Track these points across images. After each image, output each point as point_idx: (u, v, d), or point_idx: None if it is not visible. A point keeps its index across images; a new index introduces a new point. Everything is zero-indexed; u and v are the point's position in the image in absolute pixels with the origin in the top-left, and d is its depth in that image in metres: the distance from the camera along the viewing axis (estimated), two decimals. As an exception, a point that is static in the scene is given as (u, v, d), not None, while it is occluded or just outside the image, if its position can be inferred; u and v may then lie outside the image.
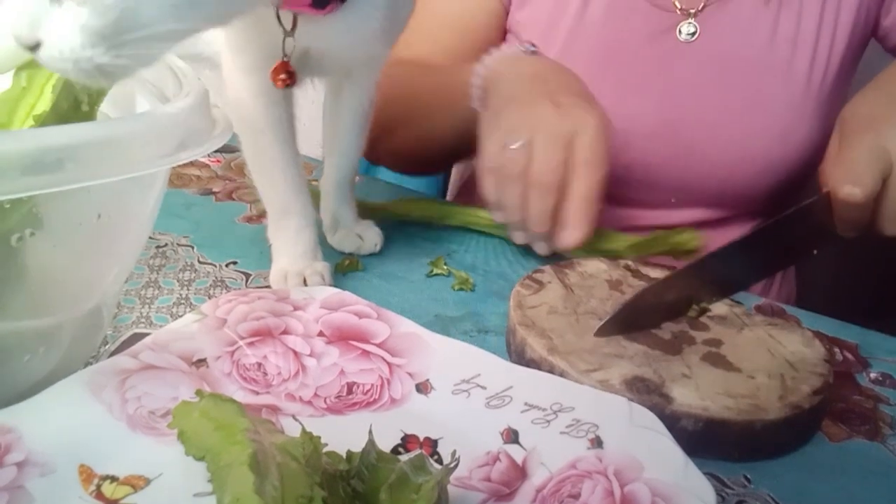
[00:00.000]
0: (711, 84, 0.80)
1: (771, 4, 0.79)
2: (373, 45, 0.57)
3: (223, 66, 0.58)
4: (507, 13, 0.89)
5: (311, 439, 0.35)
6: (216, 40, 0.59)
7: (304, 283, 0.57)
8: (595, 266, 0.60)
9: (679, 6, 0.81)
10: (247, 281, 0.60)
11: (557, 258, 0.64)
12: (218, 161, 0.84)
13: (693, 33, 0.80)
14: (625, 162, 0.82)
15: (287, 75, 0.54)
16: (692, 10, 0.80)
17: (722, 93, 0.80)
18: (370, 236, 0.66)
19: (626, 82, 0.81)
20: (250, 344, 0.46)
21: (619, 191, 0.85)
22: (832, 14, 0.79)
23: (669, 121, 0.80)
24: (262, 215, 0.62)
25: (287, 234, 0.59)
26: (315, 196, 0.65)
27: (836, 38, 0.80)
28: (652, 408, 0.42)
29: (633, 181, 0.84)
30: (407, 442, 0.42)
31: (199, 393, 0.40)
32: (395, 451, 0.41)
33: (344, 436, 0.37)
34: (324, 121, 0.67)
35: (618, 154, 0.81)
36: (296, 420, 0.42)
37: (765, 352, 0.51)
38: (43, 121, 0.38)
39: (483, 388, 0.45)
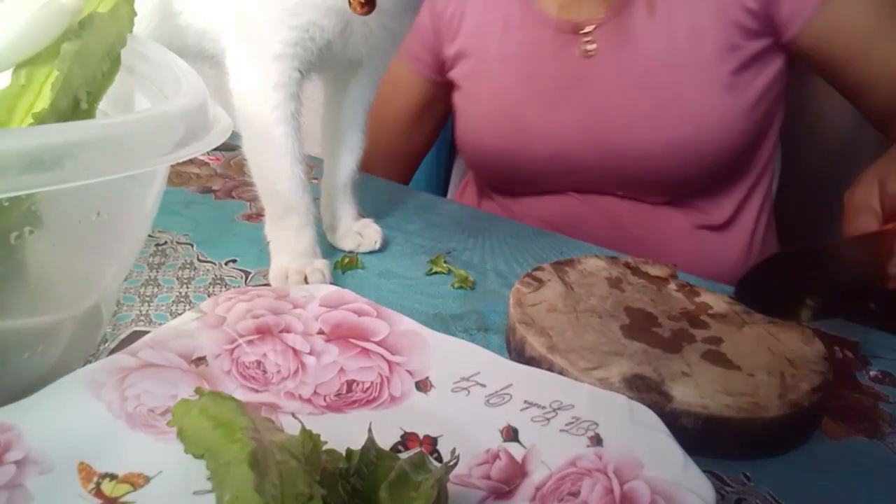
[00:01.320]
0: (621, 91, 0.86)
1: (658, 14, 0.85)
2: (405, 17, 0.60)
3: (234, 62, 0.58)
4: (435, 85, 1.01)
5: (310, 437, 0.35)
6: (223, 38, 0.59)
7: (305, 280, 0.57)
8: (594, 264, 0.60)
9: (573, 24, 0.87)
10: (246, 279, 0.60)
11: (556, 256, 0.64)
12: (217, 159, 0.84)
13: (591, 51, 0.87)
14: (565, 168, 0.90)
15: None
16: (586, 30, 0.87)
17: (633, 96, 0.86)
18: (370, 234, 0.66)
19: (547, 100, 0.89)
20: (250, 342, 0.46)
21: (568, 187, 0.92)
22: (730, 7, 0.83)
23: (592, 129, 0.87)
24: (261, 213, 0.62)
25: (287, 233, 0.59)
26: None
27: (737, 28, 0.83)
28: (652, 406, 0.42)
29: (578, 181, 0.91)
30: (406, 440, 0.42)
31: (198, 391, 0.40)
32: (394, 449, 0.41)
33: (343, 434, 0.37)
34: (324, 120, 0.67)
35: (558, 162, 0.89)
36: (295, 418, 0.42)
37: (765, 350, 0.51)
38: (42, 119, 0.38)
39: (483, 385, 0.45)
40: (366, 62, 0.63)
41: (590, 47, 0.87)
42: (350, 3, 0.55)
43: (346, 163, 0.67)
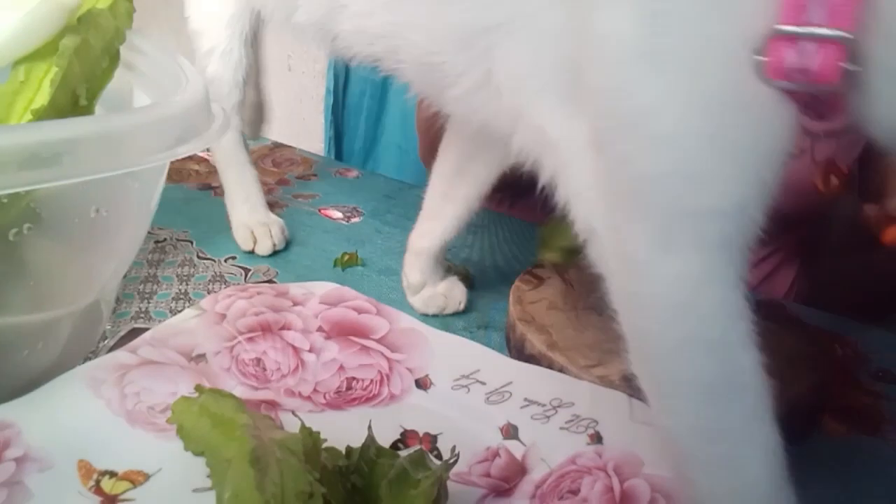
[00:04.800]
0: None
1: None
2: None
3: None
4: None
5: (310, 435, 0.35)
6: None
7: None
8: (595, 261, 0.60)
9: None
10: (246, 276, 0.60)
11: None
12: (217, 156, 0.83)
13: None
14: None
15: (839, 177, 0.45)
16: None
17: None
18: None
19: None
20: (249, 339, 0.46)
21: None
22: None
23: None
24: (261, 210, 0.62)
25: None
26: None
27: None
28: (652, 403, 0.42)
29: None
30: (406, 437, 0.42)
31: (198, 388, 0.40)
32: (394, 446, 0.41)
33: (343, 431, 0.37)
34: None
35: None
36: (295, 415, 0.42)
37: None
38: (41, 115, 0.38)
39: (483, 383, 0.45)
40: None
41: None
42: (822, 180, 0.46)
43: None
